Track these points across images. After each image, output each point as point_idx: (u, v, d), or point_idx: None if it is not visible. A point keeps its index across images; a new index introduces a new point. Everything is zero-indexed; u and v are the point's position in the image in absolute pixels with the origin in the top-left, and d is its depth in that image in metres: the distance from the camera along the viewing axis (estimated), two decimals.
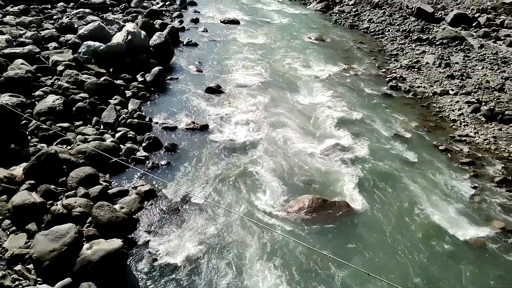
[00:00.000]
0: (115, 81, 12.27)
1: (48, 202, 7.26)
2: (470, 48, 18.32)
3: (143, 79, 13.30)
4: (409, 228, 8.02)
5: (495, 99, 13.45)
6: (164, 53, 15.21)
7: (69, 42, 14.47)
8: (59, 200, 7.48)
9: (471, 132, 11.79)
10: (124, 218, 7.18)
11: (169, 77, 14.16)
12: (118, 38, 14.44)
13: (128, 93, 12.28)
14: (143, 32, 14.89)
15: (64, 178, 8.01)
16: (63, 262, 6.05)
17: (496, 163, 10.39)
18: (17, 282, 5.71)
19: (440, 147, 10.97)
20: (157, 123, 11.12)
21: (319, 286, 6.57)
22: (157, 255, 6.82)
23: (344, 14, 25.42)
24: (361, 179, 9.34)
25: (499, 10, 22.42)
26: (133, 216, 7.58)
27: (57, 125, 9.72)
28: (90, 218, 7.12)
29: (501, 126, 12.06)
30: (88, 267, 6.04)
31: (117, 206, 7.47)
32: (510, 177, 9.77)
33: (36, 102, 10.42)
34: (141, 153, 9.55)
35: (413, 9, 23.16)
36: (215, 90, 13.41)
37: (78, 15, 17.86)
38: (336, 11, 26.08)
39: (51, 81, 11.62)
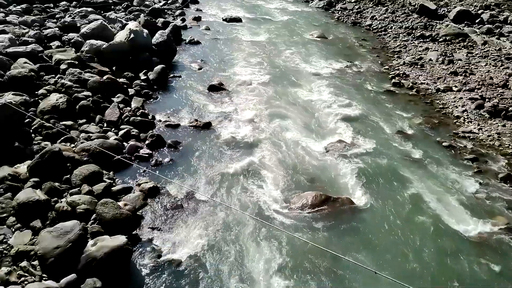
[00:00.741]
0: (118, 79, 12.29)
1: (52, 199, 7.29)
2: (474, 45, 18.26)
3: (145, 77, 13.32)
4: (413, 224, 8.00)
5: (499, 95, 13.40)
6: (167, 51, 15.24)
7: (72, 40, 14.51)
8: (64, 198, 7.50)
9: (474, 128, 11.75)
10: (128, 215, 7.20)
11: (171, 75, 14.17)
12: (120, 36, 14.46)
13: (131, 91, 12.31)
14: (145, 31, 14.91)
15: (68, 176, 8.04)
16: (68, 259, 6.07)
17: (500, 159, 10.35)
18: (22, 278, 5.75)
19: (444, 144, 10.94)
20: (160, 120, 11.14)
21: (325, 283, 6.57)
22: (161, 252, 6.84)
23: (347, 11, 25.38)
24: (364, 176, 9.32)
25: (503, 7, 22.34)
26: (137, 213, 7.61)
27: (61, 123, 9.75)
28: (94, 215, 7.14)
29: (505, 122, 12.02)
30: (93, 263, 6.06)
31: (121, 203, 7.50)
32: None
33: (39, 100, 10.45)
34: (144, 151, 9.57)
35: (416, 6, 23.10)
36: (218, 88, 13.41)
37: (80, 14, 17.89)
38: (339, 9, 26.05)
39: (54, 79, 11.65)
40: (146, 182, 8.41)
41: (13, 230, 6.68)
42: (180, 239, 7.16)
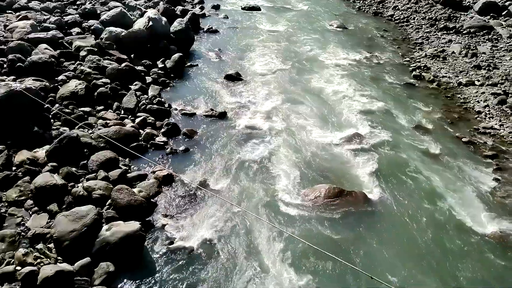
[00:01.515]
0: (136, 67, 12.38)
1: (69, 184, 7.44)
2: (499, 38, 17.66)
3: (163, 65, 13.37)
4: (429, 221, 7.86)
5: None
6: (185, 39, 15.24)
7: (92, 27, 14.66)
8: (80, 183, 7.65)
9: (496, 124, 11.42)
10: (142, 202, 7.29)
11: (188, 64, 14.19)
12: (139, 24, 14.53)
13: (148, 79, 12.38)
14: (164, 19, 14.93)
15: (85, 161, 8.18)
16: (82, 242, 6.21)
17: None
18: (38, 260, 5.91)
19: (463, 139, 10.68)
20: (176, 109, 11.19)
21: (325, 283, 6.54)
22: (173, 238, 6.93)
23: (368, 1, 24.84)
24: (380, 170, 9.19)
25: None
26: (151, 200, 7.70)
27: (79, 109, 9.90)
28: (109, 200, 7.27)
29: None
30: (107, 247, 6.19)
31: (135, 190, 7.60)
32: None
33: (59, 86, 10.62)
34: (160, 139, 9.65)
35: None
36: (234, 78, 13.36)
37: (100, 1, 18.03)
38: None
39: (74, 66, 11.82)
40: (161, 170, 8.49)
41: (31, 213, 6.86)
42: (192, 227, 7.23)
